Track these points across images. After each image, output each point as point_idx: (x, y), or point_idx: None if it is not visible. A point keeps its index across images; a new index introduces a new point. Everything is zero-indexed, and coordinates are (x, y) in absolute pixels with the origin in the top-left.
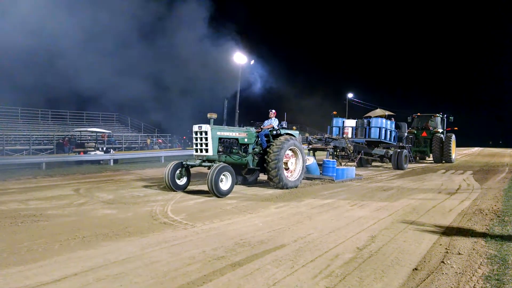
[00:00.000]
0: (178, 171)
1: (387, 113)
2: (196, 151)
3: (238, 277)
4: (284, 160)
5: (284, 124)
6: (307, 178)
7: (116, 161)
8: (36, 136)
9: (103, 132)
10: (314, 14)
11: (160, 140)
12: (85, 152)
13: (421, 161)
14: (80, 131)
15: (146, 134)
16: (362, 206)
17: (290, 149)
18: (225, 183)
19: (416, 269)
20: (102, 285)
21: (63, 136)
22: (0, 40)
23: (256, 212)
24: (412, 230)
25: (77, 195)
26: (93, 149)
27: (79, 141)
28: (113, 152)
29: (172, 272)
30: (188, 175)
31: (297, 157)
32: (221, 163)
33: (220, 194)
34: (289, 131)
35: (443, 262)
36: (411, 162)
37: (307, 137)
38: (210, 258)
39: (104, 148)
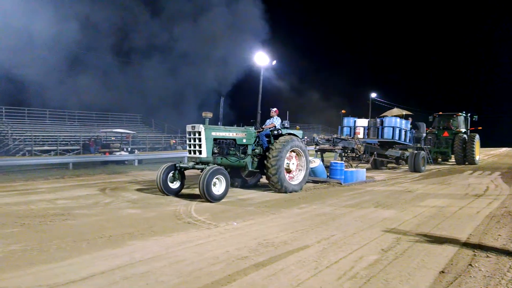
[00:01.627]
0: (171, 174)
1: (404, 112)
2: (190, 153)
3: (262, 277)
4: (286, 162)
5: (286, 123)
6: (313, 181)
7: (140, 162)
8: (63, 137)
9: (128, 133)
10: (334, 9)
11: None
12: (110, 153)
13: (443, 162)
14: (105, 132)
15: (169, 135)
16: (386, 207)
17: (293, 151)
18: (219, 187)
19: (443, 272)
20: (129, 283)
21: (89, 137)
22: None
23: (278, 212)
24: (439, 232)
25: (103, 195)
26: (118, 149)
27: (104, 142)
28: (138, 152)
29: (197, 272)
30: (182, 178)
31: (300, 159)
32: (215, 165)
33: (212, 199)
34: (291, 131)
35: (470, 265)
36: (430, 164)
37: (314, 137)
38: (233, 258)
39: (129, 149)
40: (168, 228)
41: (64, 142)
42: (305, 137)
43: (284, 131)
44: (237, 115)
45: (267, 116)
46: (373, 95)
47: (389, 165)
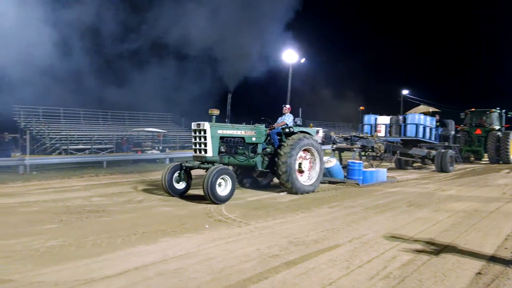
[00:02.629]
0: (176, 174)
1: (431, 109)
2: (195, 152)
3: (293, 276)
4: (298, 161)
5: (299, 121)
6: (330, 182)
7: (171, 160)
8: (97, 136)
9: (159, 132)
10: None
11: None
12: (142, 151)
13: (476, 162)
14: (137, 131)
15: None
16: (419, 207)
17: (306, 150)
18: (224, 188)
19: (479, 273)
20: (162, 279)
21: (121, 136)
22: (61, 46)
23: (309, 211)
24: (474, 232)
25: (135, 192)
26: (149, 148)
27: (136, 141)
28: (168, 151)
29: (228, 269)
30: (189, 179)
31: (313, 159)
32: (220, 165)
33: (217, 200)
34: (304, 129)
35: (509, 266)
36: (459, 163)
37: (330, 136)
38: (264, 256)
39: (160, 147)
40: (200, 226)
41: (98, 141)
42: (322, 135)
43: (296, 129)
44: (252, 112)
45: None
46: (405, 91)
47: (414, 164)
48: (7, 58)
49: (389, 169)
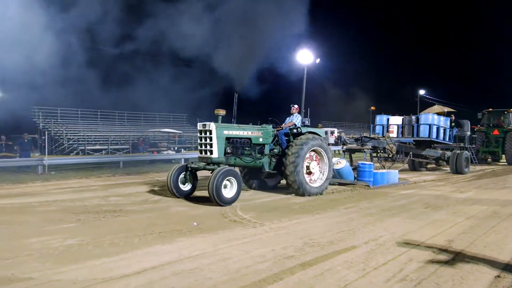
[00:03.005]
0: (182, 175)
1: (446, 109)
2: (201, 153)
3: (309, 277)
4: (307, 162)
5: (307, 121)
6: (339, 184)
7: (186, 160)
8: (113, 137)
9: (174, 133)
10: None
11: None
12: (158, 152)
13: (494, 163)
14: (153, 131)
15: None
16: (436, 209)
17: (314, 150)
18: (230, 189)
19: (498, 276)
20: (179, 279)
21: (137, 137)
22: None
23: (324, 212)
24: (494, 235)
25: (152, 193)
26: (165, 148)
27: (152, 141)
28: (184, 151)
29: (244, 269)
30: (194, 180)
31: (322, 160)
32: (225, 166)
33: (223, 202)
34: (312, 129)
35: None
36: (475, 165)
37: (340, 136)
38: (280, 257)
39: (176, 148)
40: (215, 226)
41: (114, 142)
42: (336, 135)
43: (304, 130)
44: (262, 112)
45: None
46: (422, 91)
47: (428, 166)
48: (24, 60)
49: (403, 170)
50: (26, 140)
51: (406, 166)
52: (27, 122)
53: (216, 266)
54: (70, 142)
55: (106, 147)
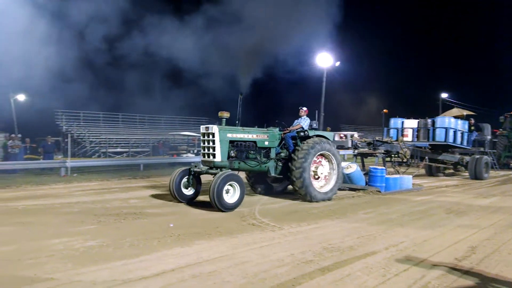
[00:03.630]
0: (185, 179)
1: (465, 112)
2: (204, 156)
3: (328, 282)
4: (314, 167)
5: (315, 124)
6: (350, 189)
7: None
8: (134, 140)
9: (194, 136)
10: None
11: None
12: (177, 155)
13: None
14: (173, 134)
15: None
16: (459, 214)
17: (322, 155)
18: (232, 195)
19: None
20: (197, 282)
21: (158, 140)
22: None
23: (343, 217)
24: None
25: (171, 195)
26: (185, 151)
27: (172, 144)
28: None
29: (262, 273)
30: (198, 184)
31: (330, 165)
32: (227, 170)
33: (224, 208)
34: (320, 133)
35: None
36: (496, 170)
37: (352, 140)
38: (298, 261)
39: (195, 151)
40: (233, 229)
41: (135, 145)
42: (356, 139)
43: (312, 133)
44: (276, 115)
45: (326, 120)
46: (444, 95)
47: (446, 171)
48: (48, 64)
49: (418, 176)
50: (49, 143)
51: (421, 171)
52: (51, 125)
53: (234, 270)
54: (92, 145)
55: (127, 150)
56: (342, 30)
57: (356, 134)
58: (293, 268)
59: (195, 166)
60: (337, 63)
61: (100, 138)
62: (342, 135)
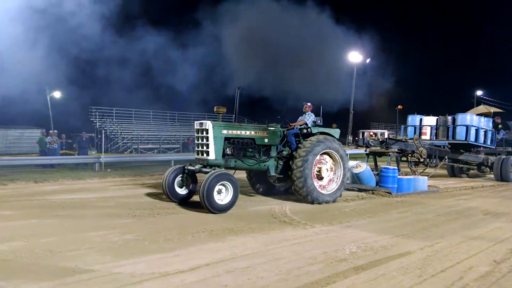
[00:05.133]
0: (179, 178)
1: (492, 110)
2: (197, 154)
3: (362, 281)
4: (318, 166)
5: (319, 120)
6: (359, 190)
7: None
8: (165, 136)
9: None
10: None
11: None
12: None
13: None
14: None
15: None
16: (497, 216)
17: (327, 153)
18: (224, 195)
19: None
20: (232, 277)
21: (188, 136)
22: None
23: (376, 216)
24: None
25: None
26: None
27: None
28: None
29: (295, 270)
30: (192, 183)
31: (336, 164)
32: (220, 169)
33: (214, 209)
34: (325, 130)
35: None
36: None
37: (363, 138)
38: (331, 259)
39: None
40: (265, 226)
41: (165, 141)
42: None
43: (315, 130)
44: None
45: (356, 118)
46: (479, 92)
47: (470, 172)
48: (82, 63)
49: (435, 176)
50: (84, 139)
51: (440, 171)
52: (85, 122)
53: (268, 266)
54: (125, 141)
55: (158, 146)
56: (372, 25)
57: (386, 133)
58: (327, 266)
59: (190, 164)
60: (368, 60)
61: (132, 134)
62: (372, 134)
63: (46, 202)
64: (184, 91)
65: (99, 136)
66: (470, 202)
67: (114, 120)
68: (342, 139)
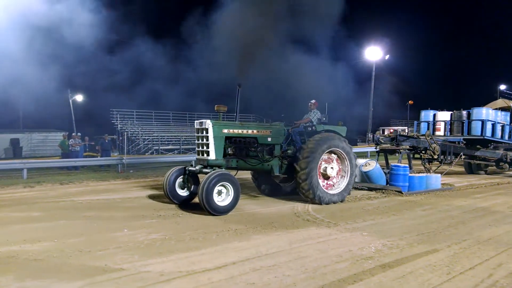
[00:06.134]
0: (180, 179)
1: (511, 104)
2: (198, 154)
3: (390, 279)
4: (323, 166)
5: (324, 118)
6: (369, 189)
7: None
8: (185, 137)
9: None
10: None
11: None
12: None
13: None
14: None
15: None
16: None
17: (332, 152)
18: (225, 197)
19: None
20: (258, 275)
21: None
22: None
23: (400, 213)
24: None
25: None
26: None
27: None
28: None
29: (322, 268)
30: (194, 184)
31: (342, 163)
32: (221, 169)
33: (214, 211)
34: (331, 127)
35: None
36: None
37: (373, 135)
38: (357, 257)
39: None
40: (288, 225)
41: (185, 142)
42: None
43: (320, 128)
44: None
45: (375, 114)
46: (502, 87)
47: (488, 169)
48: (103, 67)
49: (458, 173)
50: (106, 141)
51: (455, 168)
52: (107, 124)
53: (294, 264)
54: (145, 143)
55: (178, 147)
56: (391, 22)
57: (407, 129)
58: (353, 264)
59: (191, 165)
60: (387, 57)
61: (153, 136)
62: (391, 130)
63: (73, 203)
64: (202, 92)
65: (121, 138)
66: (493, 200)
67: (135, 122)
68: (362, 136)
